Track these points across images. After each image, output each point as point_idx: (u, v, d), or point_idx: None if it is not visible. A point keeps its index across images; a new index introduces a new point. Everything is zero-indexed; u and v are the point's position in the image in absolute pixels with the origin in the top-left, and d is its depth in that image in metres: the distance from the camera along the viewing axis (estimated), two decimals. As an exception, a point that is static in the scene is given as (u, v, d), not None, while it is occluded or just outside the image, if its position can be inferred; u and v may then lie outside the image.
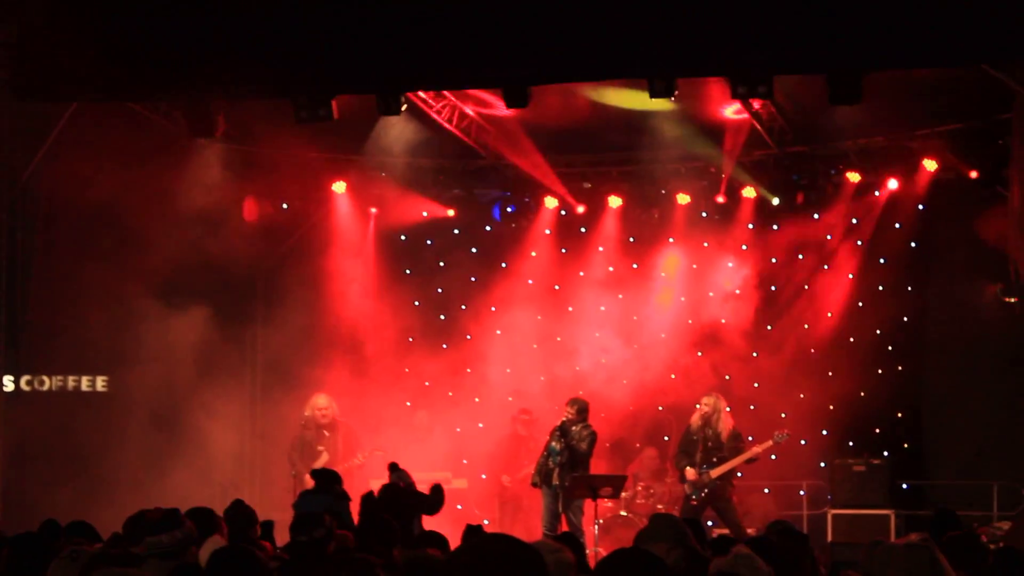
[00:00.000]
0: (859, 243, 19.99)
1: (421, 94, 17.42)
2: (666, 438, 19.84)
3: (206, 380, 18.90)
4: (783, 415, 19.00)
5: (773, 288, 20.17)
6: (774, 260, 20.34)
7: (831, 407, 19.40)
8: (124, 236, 17.47)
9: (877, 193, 19.56)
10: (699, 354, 20.06)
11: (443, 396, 20.60)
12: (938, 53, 14.06)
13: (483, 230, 21.45)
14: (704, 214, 20.56)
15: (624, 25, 14.17)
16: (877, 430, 19.67)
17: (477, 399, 20.62)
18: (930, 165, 18.88)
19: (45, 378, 18.14)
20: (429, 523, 12.89)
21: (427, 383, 20.69)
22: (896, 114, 17.70)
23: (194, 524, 8.53)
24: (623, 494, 17.46)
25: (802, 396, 19.36)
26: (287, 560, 8.75)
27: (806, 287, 19.97)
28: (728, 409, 17.44)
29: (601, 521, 16.60)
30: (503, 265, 21.12)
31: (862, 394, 19.52)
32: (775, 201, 19.95)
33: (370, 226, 21.23)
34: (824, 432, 19.44)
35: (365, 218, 21.20)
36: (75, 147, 16.55)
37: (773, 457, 17.48)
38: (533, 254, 21.14)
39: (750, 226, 20.33)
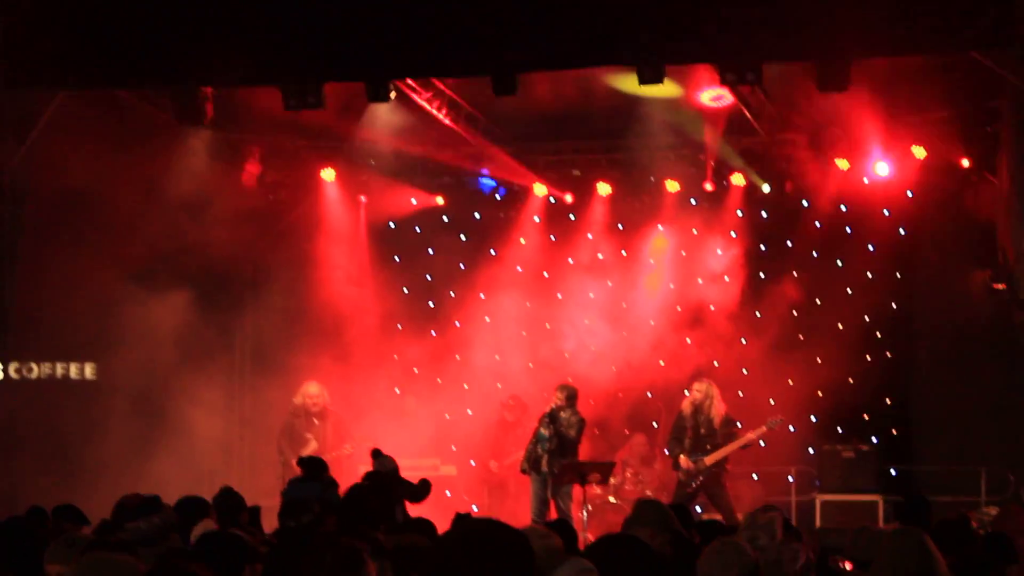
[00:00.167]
0: (848, 230, 20.00)
1: (410, 81, 17.39)
2: (655, 424, 19.85)
3: (192, 367, 18.88)
4: (771, 401, 19.01)
5: (762, 275, 20.17)
6: (763, 247, 20.37)
7: (819, 393, 19.41)
8: (112, 223, 17.44)
9: (866, 180, 19.56)
10: (687, 340, 20.06)
11: (431, 383, 20.61)
12: (927, 40, 14.06)
13: (472, 217, 21.46)
14: (693, 201, 20.56)
15: (612, 12, 14.17)
16: (865, 416, 19.69)
17: (465, 386, 20.64)
18: (919, 152, 18.89)
19: (33, 365, 18.11)
20: (418, 510, 12.86)
21: (415, 370, 20.71)
22: (885, 101, 17.68)
23: (176, 511, 8.52)
24: (612, 480, 17.47)
25: (790, 382, 19.37)
26: (276, 545, 8.75)
27: (795, 273, 19.97)
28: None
29: (590, 507, 16.61)
30: (492, 252, 21.11)
31: (850, 380, 19.54)
32: (765, 188, 19.98)
33: (361, 215, 21.22)
34: (812, 418, 19.45)
35: (354, 205, 21.20)
36: (62, 135, 16.49)
37: (762, 443, 17.49)
38: (522, 241, 21.13)
39: (739, 213, 20.33)
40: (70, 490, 14.67)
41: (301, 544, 8.21)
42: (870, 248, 19.85)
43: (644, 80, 14.94)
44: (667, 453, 17.80)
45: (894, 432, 19.74)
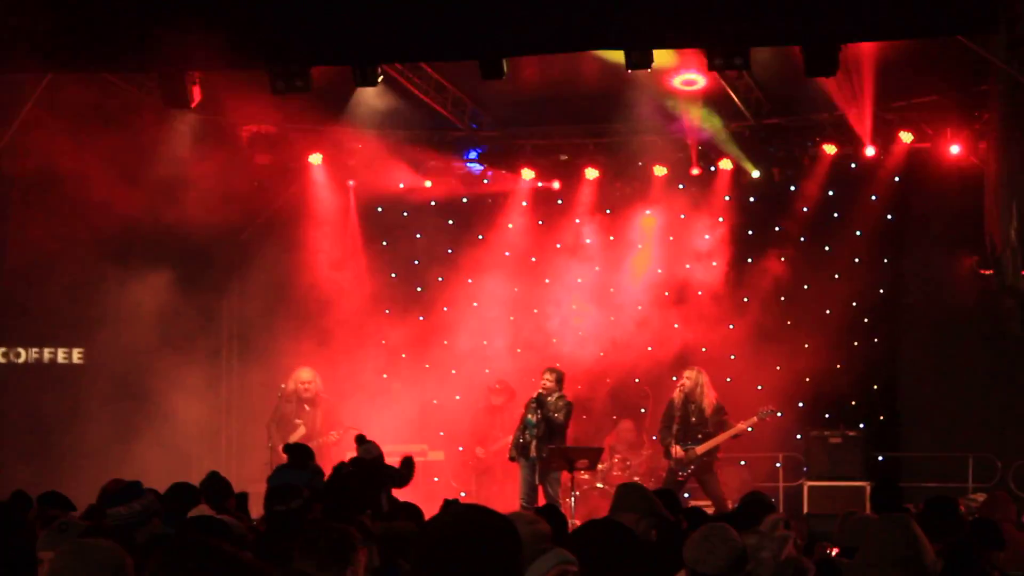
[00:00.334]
0: (835, 215, 20.00)
1: (397, 65, 17.35)
2: (643, 410, 19.83)
3: (177, 351, 18.87)
4: (759, 387, 19.02)
5: (749, 260, 20.15)
6: (751, 232, 20.36)
7: (807, 379, 19.40)
8: (99, 208, 17.34)
9: (853, 165, 19.55)
10: (675, 326, 20.04)
11: (419, 367, 20.59)
12: (915, 24, 14.04)
13: (459, 202, 21.41)
14: (681, 186, 20.53)
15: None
16: (853, 402, 19.69)
17: (453, 371, 20.60)
18: (907, 137, 18.89)
19: (21, 350, 18.08)
20: (405, 495, 12.84)
21: (403, 355, 20.67)
22: (873, 86, 17.66)
23: (167, 496, 8.50)
24: (599, 466, 17.46)
25: (778, 368, 19.37)
26: (264, 531, 8.74)
27: (782, 259, 19.96)
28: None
29: (578, 493, 16.60)
30: (480, 237, 21.07)
31: (838, 366, 19.53)
32: (755, 174, 19.95)
33: (350, 200, 21.18)
34: (800, 404, 19.45)
35: (342, 190, 21.15)
36: (49, 119, 16.42)
37: (750, 429, 17.49)
38: (510, 226, 21.10)
39: (727, 198, 20.31)
40: (53, 475, 14.67)
41: (291, 529, 8.21)
42: (857, 234, 19.83)
43: (632, 65, 14.90)
44: (659, 441, 17.77)
45: (881, 418, 19.77)
